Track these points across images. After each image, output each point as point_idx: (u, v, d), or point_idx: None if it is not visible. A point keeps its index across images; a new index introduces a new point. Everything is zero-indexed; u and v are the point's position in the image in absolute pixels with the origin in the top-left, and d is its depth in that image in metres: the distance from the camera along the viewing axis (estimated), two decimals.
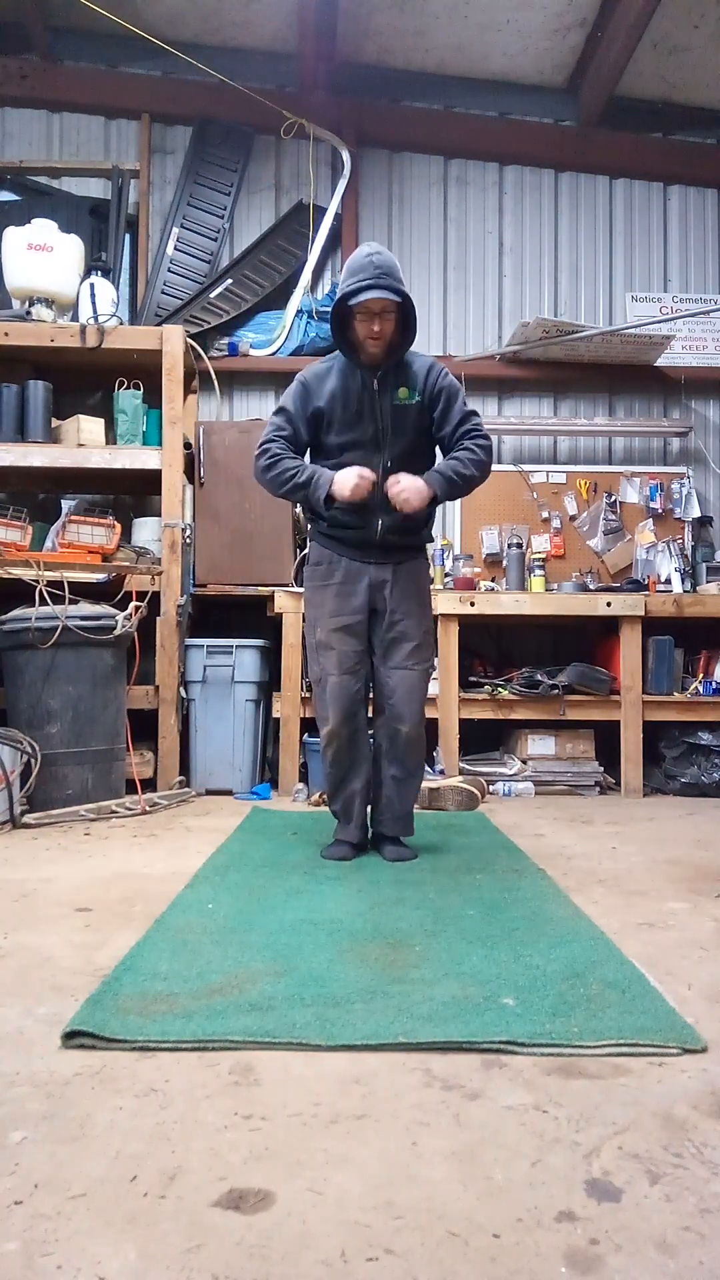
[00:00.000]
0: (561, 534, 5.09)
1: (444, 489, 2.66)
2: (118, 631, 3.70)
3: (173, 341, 4.32)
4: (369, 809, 2.89)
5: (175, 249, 5.09)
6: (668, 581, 4.83)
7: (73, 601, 3.67)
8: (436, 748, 4.24)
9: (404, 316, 2.62)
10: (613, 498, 5.12)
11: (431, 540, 2.98)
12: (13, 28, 4.97)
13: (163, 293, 5.03)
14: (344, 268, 2.63)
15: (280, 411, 2.75)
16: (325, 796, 2.98)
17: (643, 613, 4.32)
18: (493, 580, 4.88)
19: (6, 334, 4.27)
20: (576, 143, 5.29)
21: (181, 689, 4.21)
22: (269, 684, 4.38)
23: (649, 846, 3.07)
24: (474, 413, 2.77)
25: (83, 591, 3.80)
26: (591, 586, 4.75)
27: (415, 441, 2.74)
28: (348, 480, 2.59)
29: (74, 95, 5.15)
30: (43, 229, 4.37)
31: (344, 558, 2.75)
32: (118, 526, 4.17)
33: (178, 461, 4.27)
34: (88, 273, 4.59)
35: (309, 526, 2.89)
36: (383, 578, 2.75)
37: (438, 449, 2.81)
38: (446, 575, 4.72)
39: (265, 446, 2.71)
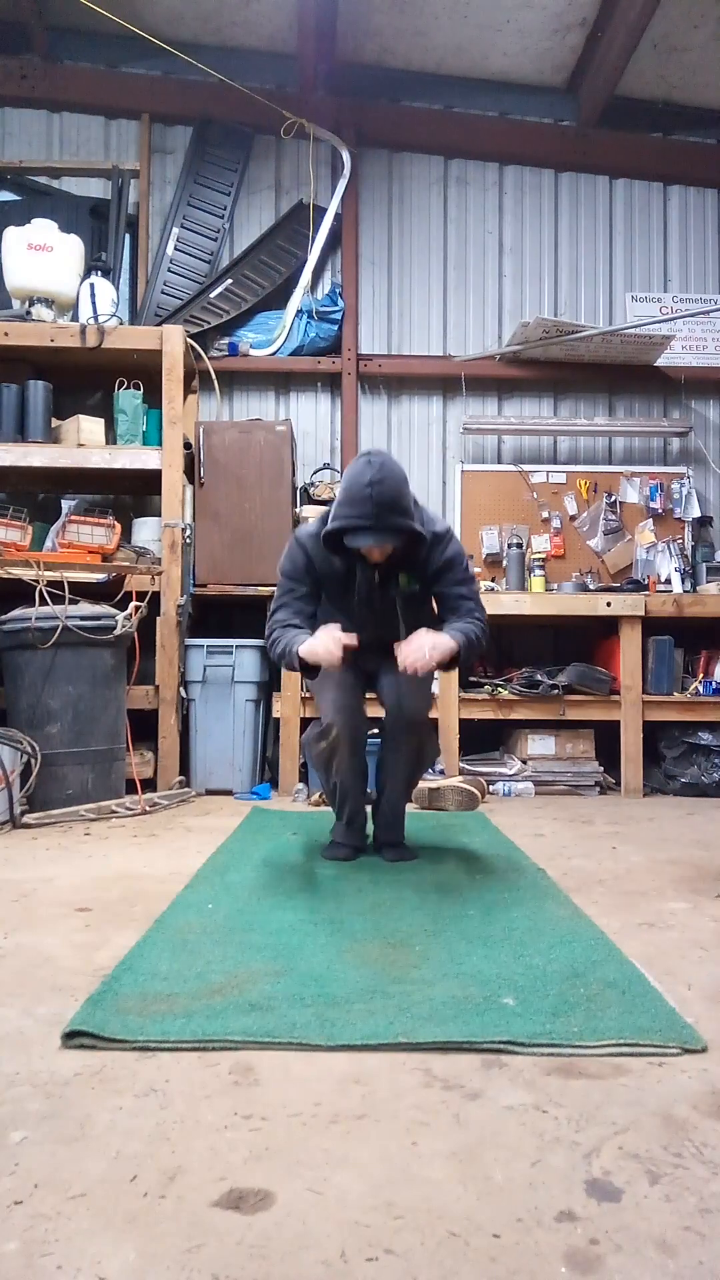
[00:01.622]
0: (561, 534, 5.08)
1: (464, 649, 2.49)
2: (118, 631, 3.70)
3: (173, 341, 4.32)
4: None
5: (175, 249, 5.09)
6: (668, 581, 4.84)
7: (73, 601, 3.67)
8: None
9: (411, 537, 2.43)
10: (613, 498, 5.12)
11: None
12: (13, 28, 4.97)
13: (163, 293, 5.03)
14: (343, 483, 2.38)
15: (282, 578, 2.64)
16: (324, 797, 2.95)
17: (643, 613, 4.32)
18: (493, 580, 4.88)
19: (6, 334, 4.27)
20: (576, 143, 5.29)
21: (181, 689, 4.21)
22: (269, 684, 4.38)
23: (649, 846, 3.07)
24: (472, 580, 2.63)
25: (83, 591, 3.80)
26: (591, 586, 4.75)
27: (419, 615, 2.64)
28: (317, 648, 2.43)
29: (74, 95, 5.15)
30: (43, 229, 4.37)
31: None
32: (118, 526, 4.17)
33: (178, 461, 4.27)
34: (88, 273, 4.59)
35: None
36: None
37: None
38: None
39: (272, 617, 2.60)
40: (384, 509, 2.27)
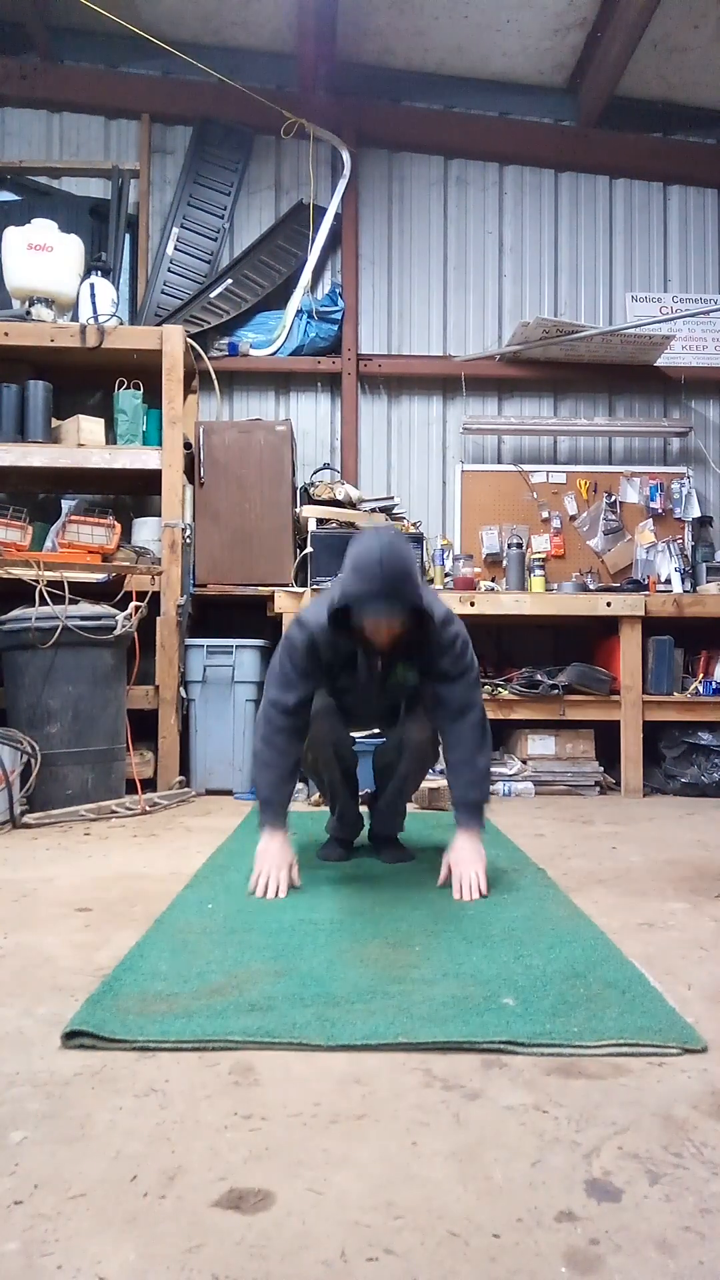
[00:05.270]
0: (561, 534, 5.08)
1: (481, 818, 2.51)
2: (118, 631, 3.70)
3: (172, 341, 4.32)
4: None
5: (175, 249, 5.09)
6: (668, 581, 4.83)
7: (73, 601, 3.67)
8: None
9: (417, 614, 2.36)
10: (613, 498, 5.12)
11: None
12: (13, 28, 4.97)
13: (163, 293, 5.03)
14: (350, 558, 2.29)
15: (284, 657, 2.49)
16: (323, 796, 2.95)
17: (643, 613, 4.32)
18: (493, 580, 4.88)
19: (6, 334, 4.27)
20: (576, 143, 5.29)
21: (181, 689, 4.21)
22: None
23: (649, 846, 3.07)
24: (470, 668, 2.50)
25: (83, 591, 3.80)
26: (591, 586, 4.75)
27: (415, 696, 2.64)
28: (262, 871, 2.39)
29: (74, 95, 5.16)
30: (43, 229, 4.37)
31: None
32: (118, 526, 4.17)
33: (178, 461, 4.27)
34: (88, 273, 4.59)
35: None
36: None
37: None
38: (446, 575, 4.72)
39: (267, 697, 2.51)
40: (394, 581, 2.21)
